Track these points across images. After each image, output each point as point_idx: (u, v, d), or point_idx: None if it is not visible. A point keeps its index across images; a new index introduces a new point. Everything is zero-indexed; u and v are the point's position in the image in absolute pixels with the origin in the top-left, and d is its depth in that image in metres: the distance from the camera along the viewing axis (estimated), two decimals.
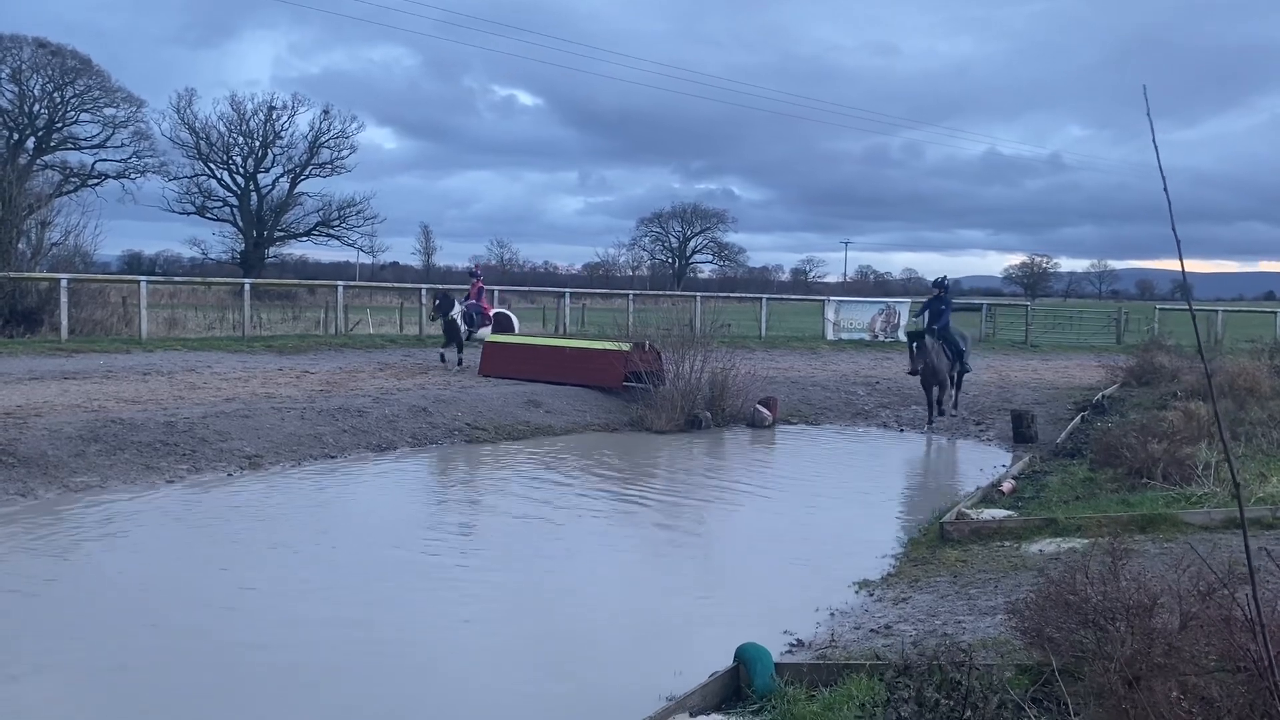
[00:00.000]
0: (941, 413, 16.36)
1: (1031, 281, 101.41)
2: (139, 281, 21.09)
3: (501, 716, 5.35)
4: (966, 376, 17.40)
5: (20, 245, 25.97)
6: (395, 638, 6.46)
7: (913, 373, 16.56)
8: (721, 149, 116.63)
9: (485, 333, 19.48)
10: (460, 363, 19.14)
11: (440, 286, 27.82)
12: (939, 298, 16.76)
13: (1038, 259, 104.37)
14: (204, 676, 5.77)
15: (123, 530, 9.07)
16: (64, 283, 20.02)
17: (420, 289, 26.33)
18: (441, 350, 19.70)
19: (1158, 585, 4.23)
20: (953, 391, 16.94)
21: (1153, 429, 10.46)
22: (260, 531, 9.12)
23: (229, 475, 11.33)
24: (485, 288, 21.42)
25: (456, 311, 19.30)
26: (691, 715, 4.74)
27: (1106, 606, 3.89)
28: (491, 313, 20.48)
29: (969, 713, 2.50)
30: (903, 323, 29.25)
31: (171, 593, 7.33)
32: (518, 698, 5.62)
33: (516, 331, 20.73)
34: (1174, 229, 2.12)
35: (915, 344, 16.14)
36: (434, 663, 6.06)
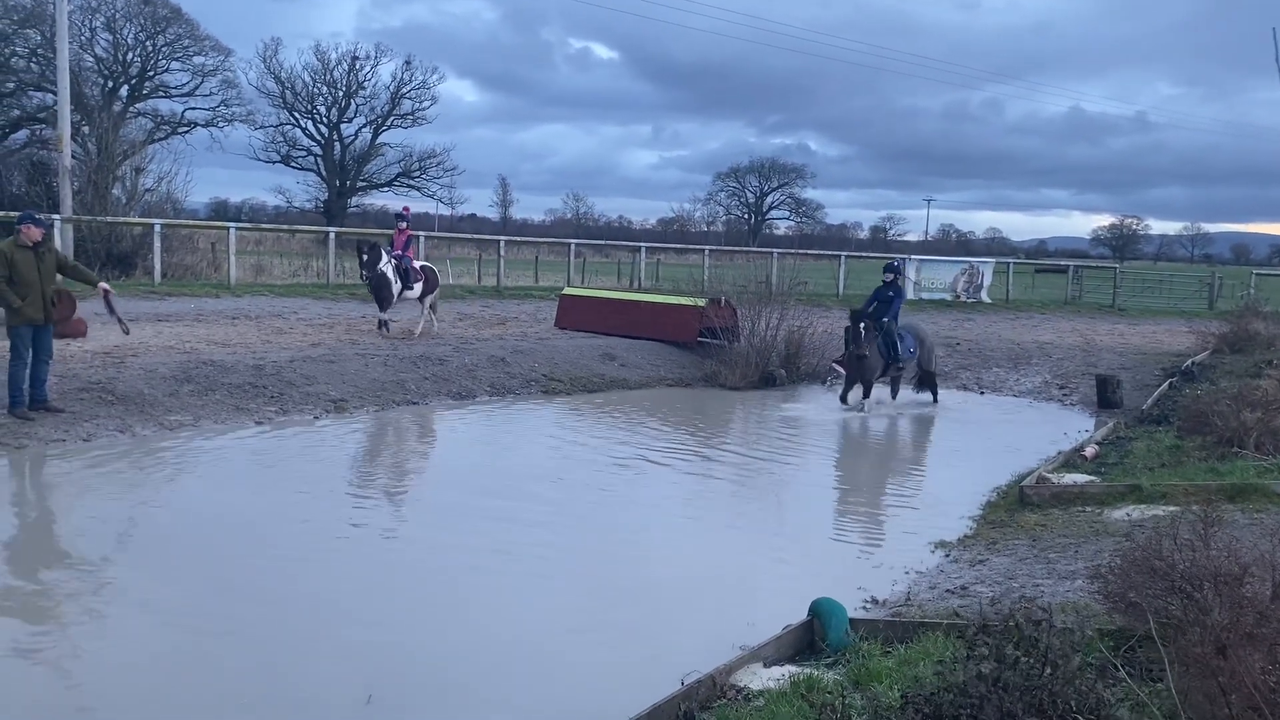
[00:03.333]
0: (861, 406, 13.97)
1: (1120, 244, 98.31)
2: (228, 228, 21.63)
3: (578, 663, 5.46)
4: (939, 394, 15.23)
5: (115, 191, 26.85)
6: (471, 588, 6.62)
7: (838, 362, 14.51)
8: (797, 103, 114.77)
9: (417, 291, 16.38)
10: (386, 326, 16.11)
11: (373, 233, 25.22)
12: (889, 284, 14.41)
13: (1127, 220, 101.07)
14: (277, 610, 6.01)
15: (217, 466, 9.42)
16: (157, 228, 20.66)
17: (499, 240, 26.54)
18: (380, 316, 16.21)
19: (1249, 554, 4.14)
20: (889, 394, 14.78)
21: (1246, 397, 10.13)
22: (347, 476, 9.39)
23: (315, 418, 11.66)
24: (414, 235, 18.06)
25: (386, 264, 15.87)
26: (765, 665, 4.80)
27: (1194, 573, 3.82)
28: (418, 265, 16.86)
29: (1049, 670, 2.49)
30: (986, 283, 28.67)
31: (267, 532, 7.62)
32: (594, 645, 5.73)
33: (439, 282, 17.59)
34: None
35: (849, 327, 13.90)
36: (511, 610, 6.20)
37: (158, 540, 7.24)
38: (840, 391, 14.24)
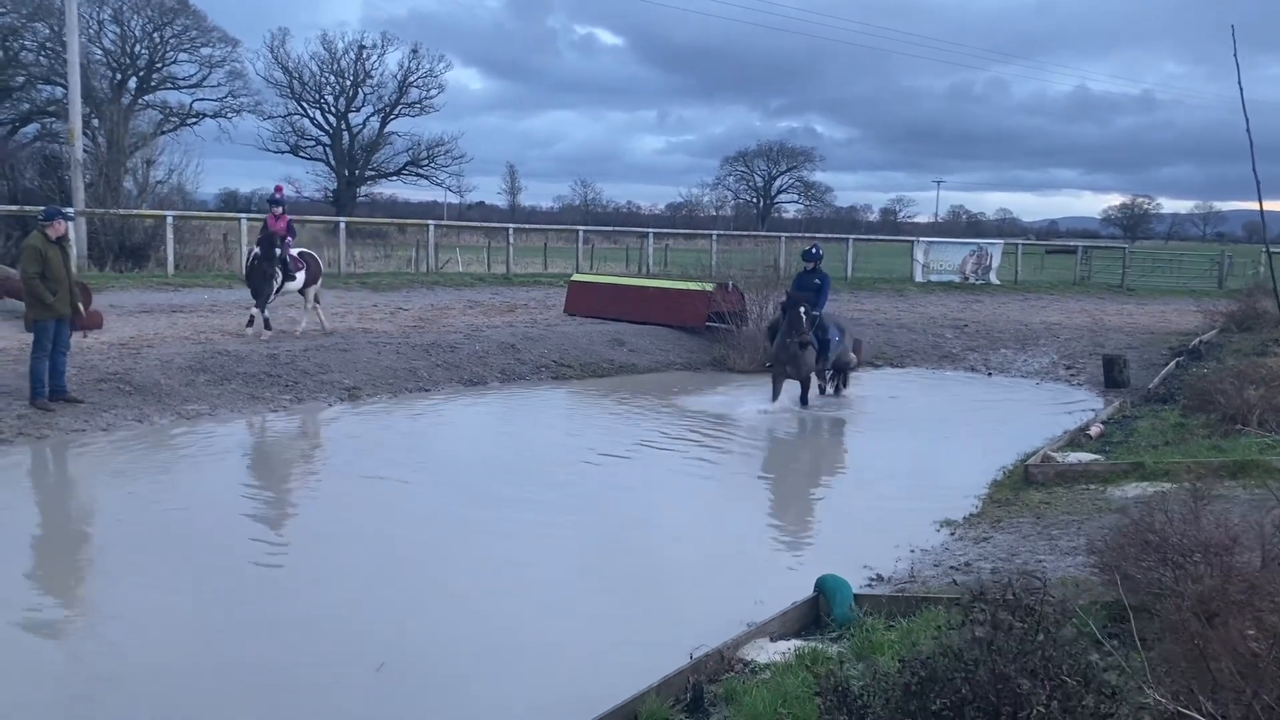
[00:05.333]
0: (804, 402, 12.67)
1: (1131, 223, 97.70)
2: (239, 219, 21.81)
3: (589, 639, 5.61)
4: (852, 373, 14.15)
5: (127, 183, 27.06)
6: (483, 567, 6.78)
7: (772, 354, 12.94)
8: (802, 86, 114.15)
9: (299, 282, 14.55)
10: (259, 323, 14.05)
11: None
12: (811, 271, 13.15)
13: (1138, 200, 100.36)
14: (289, 594, 6.18)
15: (234, 454, 9.60)
16: (170, 220, 20.83)
17: (508, 228, 26.65)
18: (252, 309, 14.16)
19: (1241, 526, 4.26)
20: (820, 384, 13.46)
21: (1250, 374, 10.21)
22: (359, 459, 9.55)
23: (329, 405, 11.83)
24: (292, 220, 15.62)
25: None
26: (771, 640, 4.94)
27: (1185, 545, 3.94)
28: (296, 253, 14.77)
29: (1042, 636, 2.61)
30: (995, 265, 28.65)
31: (280, 515, 7.79)
32: (604, 622, 5.89)
33: (321, 271, 15.59)
34: (1254, 169, 2.14)
35: (789, 313, 12.50)
36: (523, 588, 6.35)
37: (175, 524, 7.41)
38: (774, 390, 12.65)
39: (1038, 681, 2.47)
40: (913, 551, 6.93)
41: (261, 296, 14.02)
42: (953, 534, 7.38)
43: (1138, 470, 8.10)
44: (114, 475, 8.70)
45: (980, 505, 8.18)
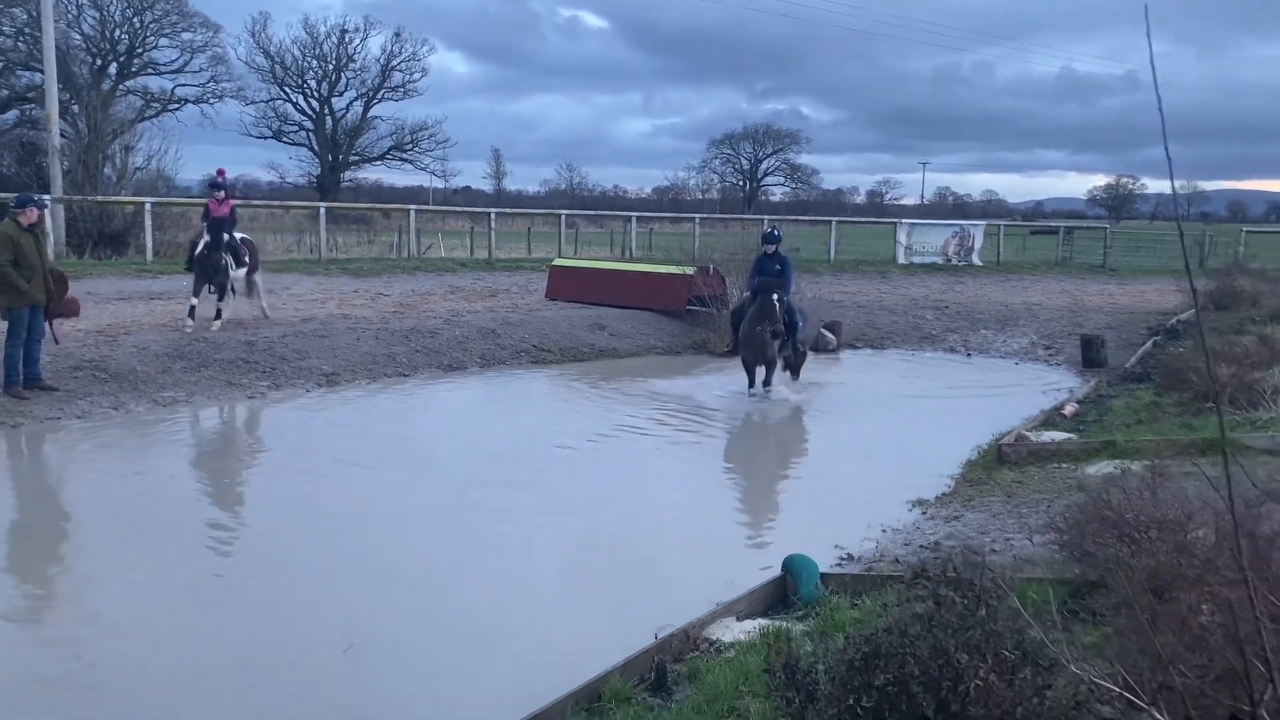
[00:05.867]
0: (767, 383, 12.36)
1: (1116, 203, 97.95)
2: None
3: (557, 619, 5.64)
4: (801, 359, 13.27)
5: (106, 170, 26.82)
6: (453, 547, 6.80)
7: (740, 345, 12.44)
8: (788, 68, 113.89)
9: (243, 274, 13.85)
10: (221, 318, 13.25)
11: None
12: (771, 256, 12.57)
13: (1123, 180, 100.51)
14: (271, 573, 6.19)
15: (210, 441, 9.59)
16: (148, 206, 20.68)
17: (490, 213, 26.57)
18: (192, 301, 13.10)
19: (1199, 503, 4.30)
20: (781, 371, 12.84)
21: (1223, 353, 10.28)
22: (334, 444, 9.55)
23: (307, 392, 11.81)
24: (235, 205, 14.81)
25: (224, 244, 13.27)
26: (738, 619, 4.98)
27: (1141, 521, 3.98)
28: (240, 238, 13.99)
29: (983, 611, 2.64)
30: (977, 246, 28.70)
31: (258, 500, 7.79)
32: (574, 603, 5.92)
33: (260, 259, 14.76)
34: (1165, 146, 2.16)
35: (760, 299, 12.04)
36: (494, 570, 6.38)
37: (147, 510, 7.40)
38: (749, 378, 12.36)
39: (976, 655, 2.50)
40: (884, 531, 6.98)
41: (217, 287, 13.20)
42: (924, 513, 7.43)
43: (1109, 449, 8.16)
44: (87, 462, 8.68)
45: (953, 485, 8.24)
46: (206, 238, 13.22)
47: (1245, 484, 4.49)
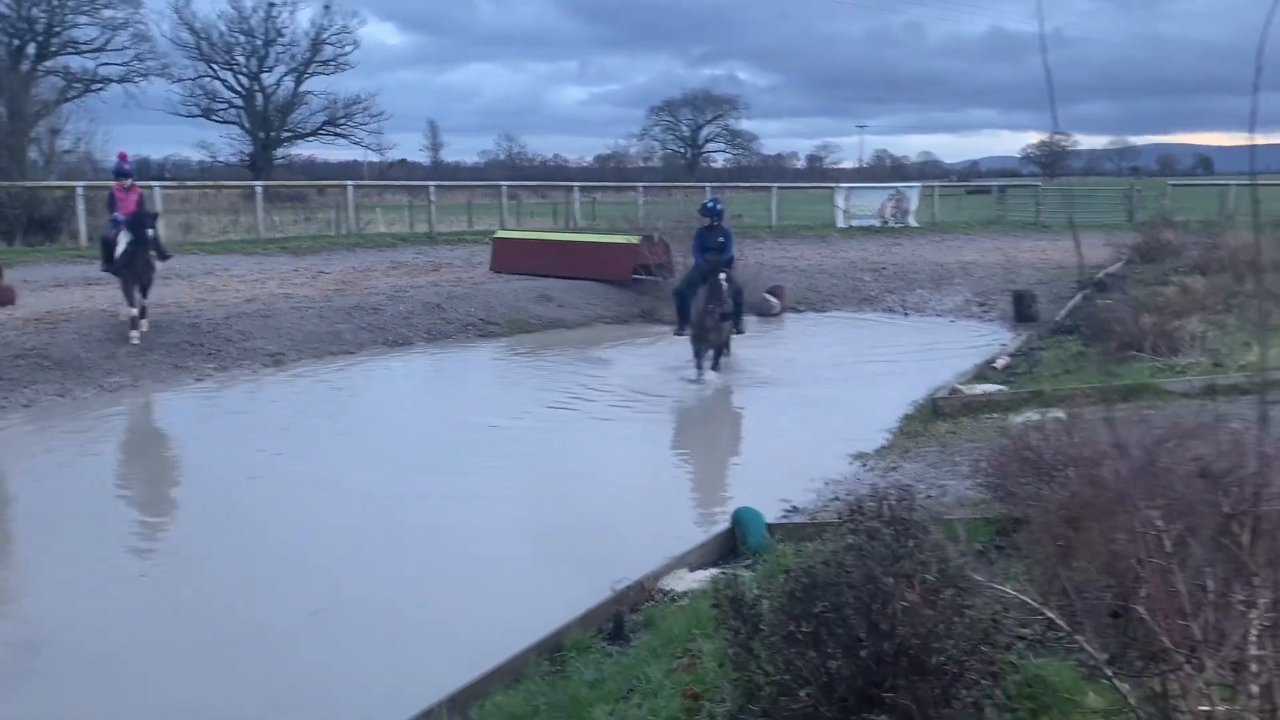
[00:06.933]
0: (715, 367, 11.79)
1: (1049, 161, 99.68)
2: (152, 187, 21.32)
3: (518, 580, 5.86)
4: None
5: (32, 154, 26.20)
6: (413, 516, 6.98)
7: (692, 324, 11.76)
8: (723, 33, 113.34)
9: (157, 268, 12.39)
10: (141, 320, 12.03)
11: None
12: (712, 228, 12.10)
13: (1055, 137, 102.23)
14: (243, 557, 6.32)
15: (158, 423, 9.61)
16: (79, 191, 20.31)
17: (428, 186, 26.43)
18: (130, 308, 12.04)
19: (1110, 442, 4.62)
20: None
21: (1145, 303, 10.75)
22: (289, 424, 9.63)
23: (254, 373, 11.82)
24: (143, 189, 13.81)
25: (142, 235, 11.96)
26: (691, 570, 5.23)
27: (1058, 460, 4.28)
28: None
29: (911, 543, 2.90)
30: (913, 208, 29.22)
31: (220, 479, 7.88)
32: (534, 563, 6.14)
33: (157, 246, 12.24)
34: (1052, 101, 2.38)
35: (707, 286, 11.47)
36: (453, 535, 6.57)
37: (105, 492, 7.46)
38: (697, 360, 11.71)
39: (904, 581, 2.76)
40: (825, 483, 7.28)
41: (145, 285, 12.04)
42: (865, 465, 7.75)
43: (1037, 398, 8.54)
44: (38, 450, 8.67)
45: (891, 438, 8.57)
46: (128, 235, 11.88)
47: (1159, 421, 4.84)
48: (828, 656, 2.79)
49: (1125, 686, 2.26)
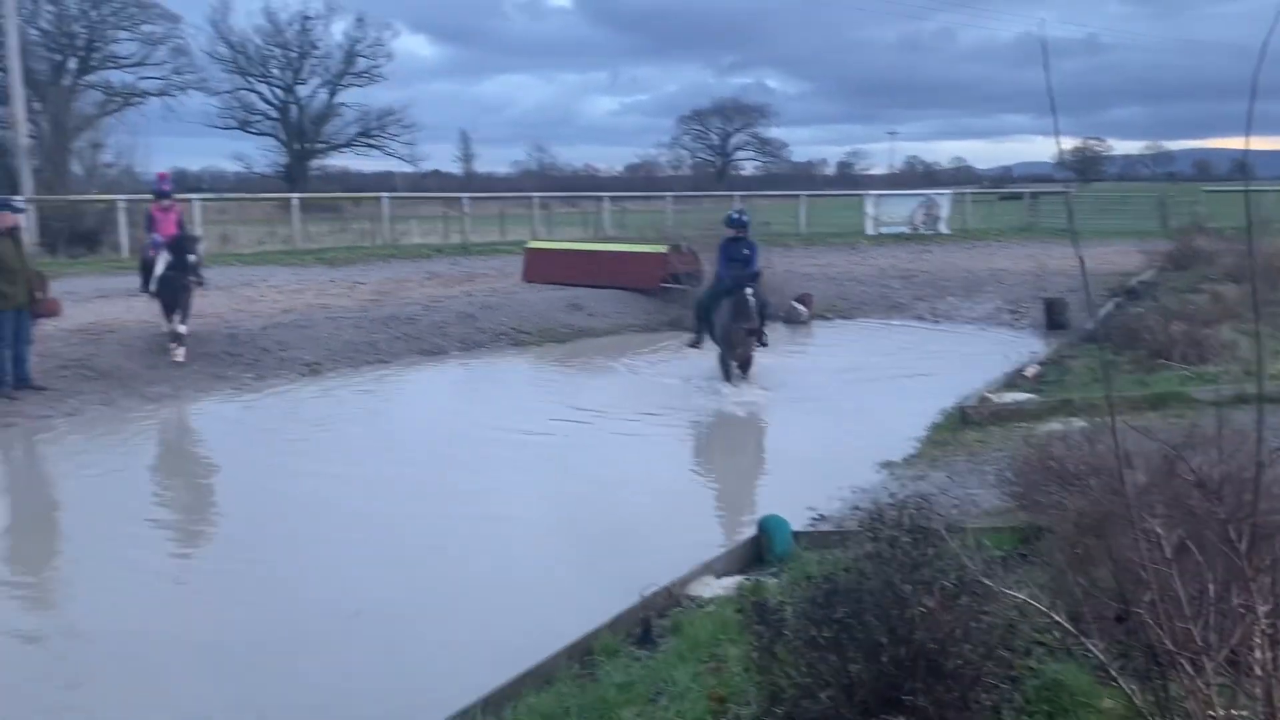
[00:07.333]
0: (743, 373, 11.72)
1: (1083, 166, 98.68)
2: (192, 200, 21.75)
3: (552, 587, 5.99)
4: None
5: (74, 167, 26.80)
6: (449, 524, 7.13)
7: (718, 339, 11.77)
8: (752, 42, 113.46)
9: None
10: (179, 349, 11.92)
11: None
12: (737, 240, 11.94)
13: (1089, 142, 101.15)
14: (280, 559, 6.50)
15: (199, 432, 9.85)
16: (121, 204, 20.76)
17: (462, 198, 26.71)
18: (170, 326, 11.99)
19: (1136, 450, 4.68)
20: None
21: (1176, 311, 10.73)
22: (326, 433, 9.83)
23: (291, 382, 12.06)
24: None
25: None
26: (717, 576, 5.34)
27: (1080, 470, 4.35)
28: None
29: (930, 550, 3.00)
30: (944, 215, 29.12)
31: (261, 486, 8.08)
32: (566, 570, 6.27)
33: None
34: (1052, 104, 2.46)
35: (733, 301, 11.34)
36: (487, 543, 6.72)
37: (142, 498, 7.68)
38: (724, 373, 11.68)
39: (922, 588, 2.85)
40: (853, 492, 7.35)
41: (183, 308, 11.97)
42: (892, 474, 7.80)
43: (1066, 407, 8.56)
44: (83, 457, 8.92)
45: (919, 447, 8.62)
46: (168, 257, 11.94)
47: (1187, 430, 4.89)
48: (848, 660, 2.89)
49: (1133, 685, 2.34)
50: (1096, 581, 3.52)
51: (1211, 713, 2.14)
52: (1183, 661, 2.16)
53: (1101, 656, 2.39)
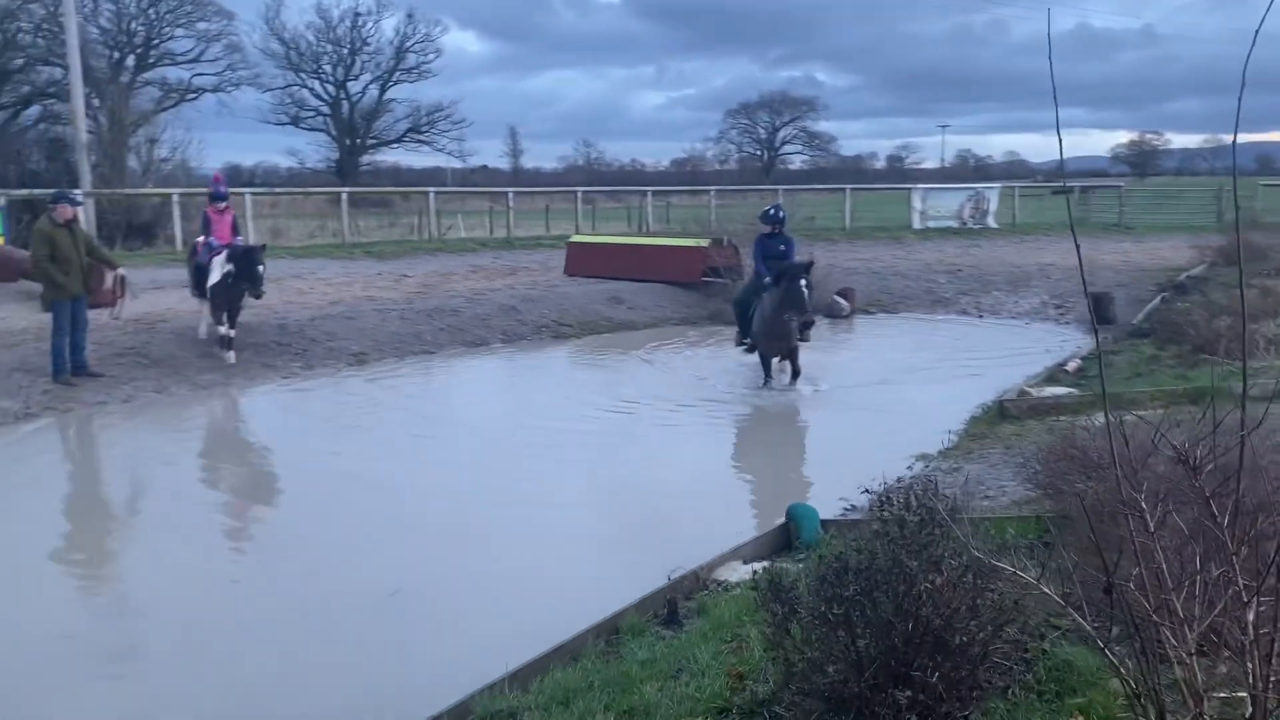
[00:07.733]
0: (794, 380, 11.40)
1: (1140, 160, 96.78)
2: (244, 194, 22.22)
3: (582, 569, 6.12)
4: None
5: (131, 162, 27.46)
6: (486, 507, 7.29)
7: (757, 333, 11.50)
8: (801, 35, 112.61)
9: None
10: (228, 346, 11.96)
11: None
12: (773, 235, 11.82)
13: (1146, 136, 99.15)
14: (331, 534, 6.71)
15: (249, 419, 10.13)
16: (175, 198, 21.27)
17: (508, 192, 26.97)
18: (221, 329, 11.96)
19: (1161, 441, 4.69)
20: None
21: (1221, 306, 10.59)
22: (371, 420, 10.06)
23: (338, 371, 12.33)
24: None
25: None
26: (745, 562, 5.43)
27: (1103, 459, 4.37)
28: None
29: (936, 530, 3.07)
30: (992, 209, 28.81)
31: (308, 470, 8.31)
32: (598, 554, 6.40)
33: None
34: (1054, 100, 2.52)
35: (786, 286, 10.85)
36: (524, 527, 6.86)
37: (195, 482, 7.94)
38: (765, 369, 11.51)
39: (926, 563, 2.93)
40: (885, 484, 7.37)
41: (233, 315, 11.94)
42: (927, 466, 7.82)
43: (1103, 401, 8.50)
44: (137, 442, 9.23)
45: (957, 439, 8.61)
46: (229, 266, 11.79)
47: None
48: (856, 636, 2.97)
49: (1119, 650, 2.41)
50: (1103, 564, 3.56)
51: (1192, 681, 2.19)
52: (1165, 632, 2.22)
53: (1086, 625, 2.46)
